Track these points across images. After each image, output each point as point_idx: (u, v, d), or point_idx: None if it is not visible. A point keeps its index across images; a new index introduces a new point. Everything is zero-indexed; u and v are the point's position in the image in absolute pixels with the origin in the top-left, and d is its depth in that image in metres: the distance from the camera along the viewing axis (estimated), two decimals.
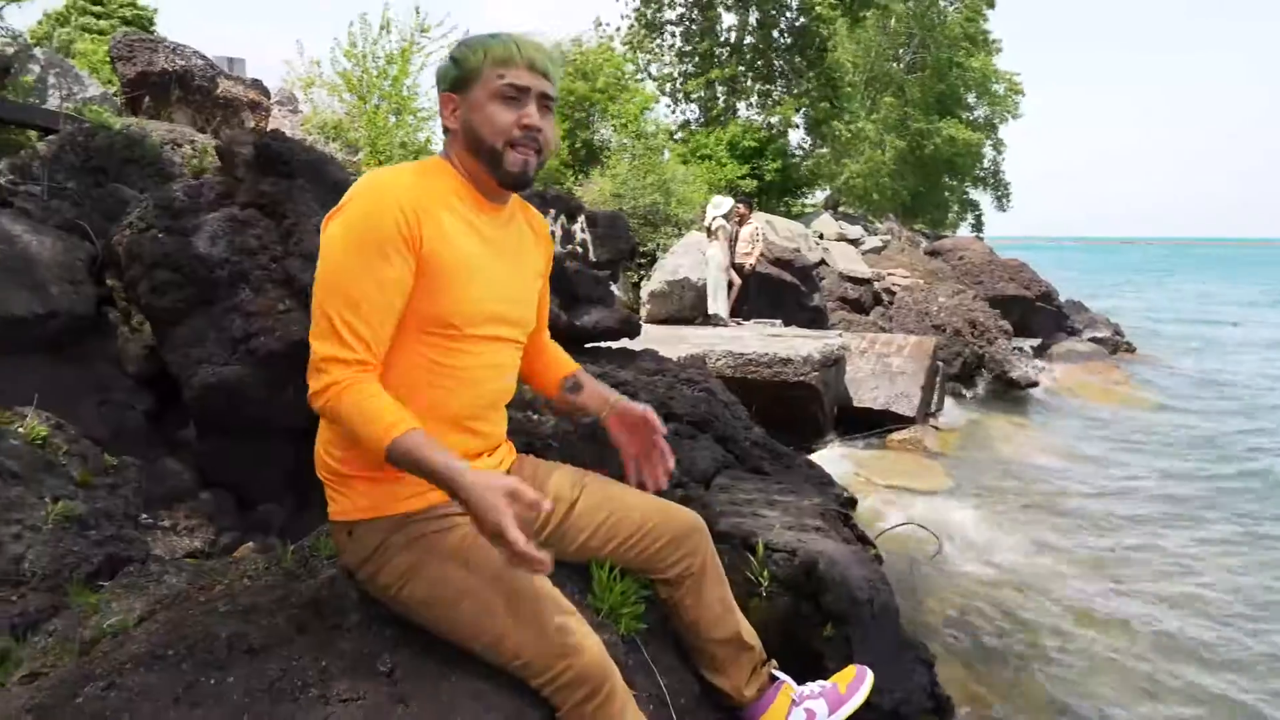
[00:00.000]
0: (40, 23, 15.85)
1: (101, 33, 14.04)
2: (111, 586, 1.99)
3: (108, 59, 7.83)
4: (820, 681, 2.10)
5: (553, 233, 6.25)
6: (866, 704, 2.48)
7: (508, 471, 1.86)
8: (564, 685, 1.55)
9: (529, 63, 1.63)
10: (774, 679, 2.09)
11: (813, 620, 2.52)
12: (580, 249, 6.58)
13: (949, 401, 9.75)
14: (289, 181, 3.59)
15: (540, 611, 1.58)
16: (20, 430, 2.62)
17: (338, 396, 1.51)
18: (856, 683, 2.08)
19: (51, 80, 6.08)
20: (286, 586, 1.80)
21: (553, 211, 6.32)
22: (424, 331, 1.63)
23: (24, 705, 1.45)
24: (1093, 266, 63.85)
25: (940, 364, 9.46)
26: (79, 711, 1.42)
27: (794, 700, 2.03)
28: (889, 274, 13.39)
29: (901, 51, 27.76)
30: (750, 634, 2.05)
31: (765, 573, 2.60)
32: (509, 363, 1.82)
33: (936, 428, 8.54)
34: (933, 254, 15.67)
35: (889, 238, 17.41)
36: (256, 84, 8.17)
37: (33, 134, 5.49)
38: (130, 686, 1.47)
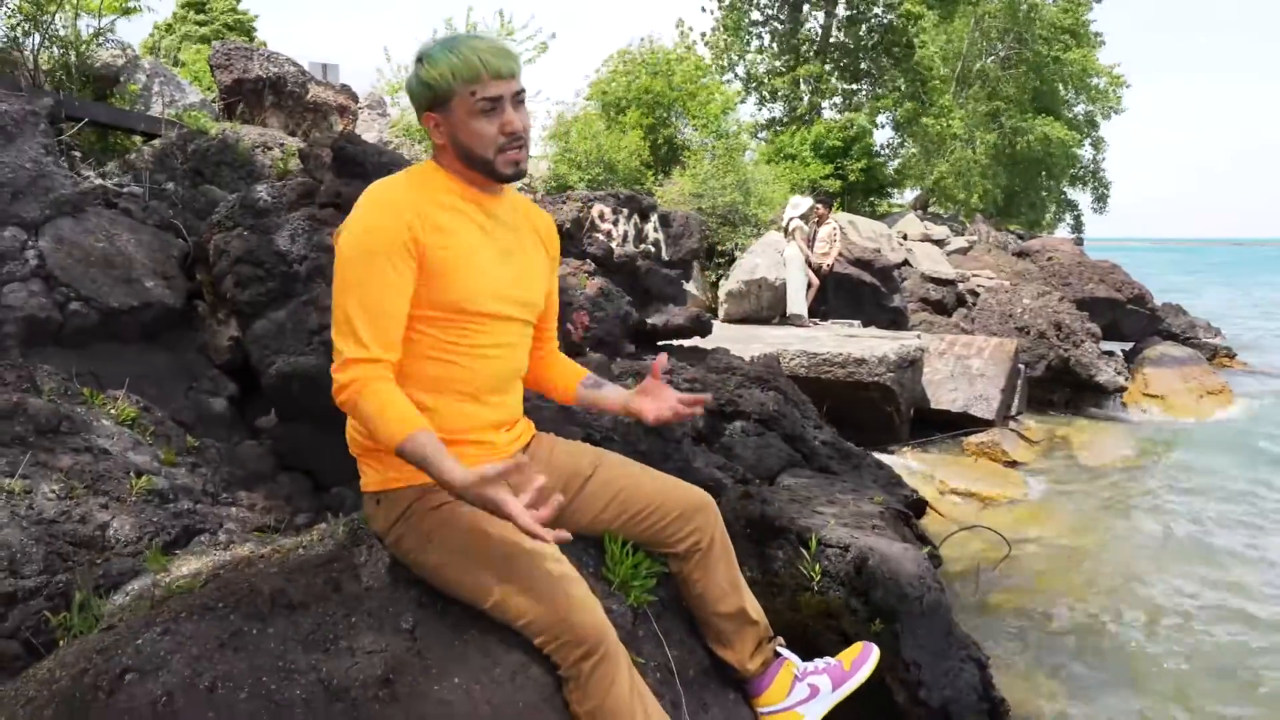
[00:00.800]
0: (151, 34, 16.70)
1: (204, 39, 14.76)
2: (184, 554, 2.18)
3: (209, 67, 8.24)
4: (826, 658, 2.16)
5: (625, 232, 6.33)
6: (914, 700, 2.50)
7: (526, 446, 1.99)
8: (562, 645, 1.66)
9: (495, 73, 1.72)
10: (778, 655, 2.15)
11: (861, 615, 2.56)
12: (653, 248, 6.66)
13: (1030, 405, 9.50)
14: (364, 183, 3.75)
15: (541, 577, 1.69)
16: (112, 411, 2.85)
17: (358, 393, 1.65)
18: (861, 659, 2.13)
19: (155, 88, 6.45)
20: (332, 553, 1.96)
21: (625, 211, 6.41)
22: (436, 315, 1.76)
23: (94, 647, 1.64)
24: (1195, 268, 60.75)
25: (1022, 367, 9.22)
26: (138, 652, 1.60)
27: (796, 676, 2.10)
28: (974, 275, 13.05)
29: (999, 46, 26.95)
30: (756, 610, 2.11)
31: (817, 567, 2.64)
32: (519, 341, 1.94)
33: (1016, 432, 8.33)
34: (1020, 255, 15.20)
35: (975, 238, 16.99)
36: (345, 89, 8.49)
37: (137, 139, 5.84)
38: (183, 633, 1.64)
